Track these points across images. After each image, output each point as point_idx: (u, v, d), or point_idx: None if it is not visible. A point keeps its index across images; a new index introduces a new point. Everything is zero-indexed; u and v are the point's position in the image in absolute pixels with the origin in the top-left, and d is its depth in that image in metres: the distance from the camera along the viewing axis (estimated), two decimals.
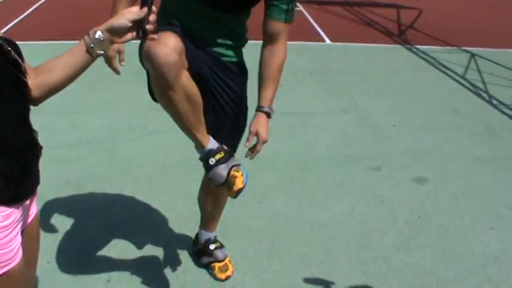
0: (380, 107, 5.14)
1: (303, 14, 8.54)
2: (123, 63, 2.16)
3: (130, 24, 1.52)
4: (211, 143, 2.17)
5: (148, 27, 1.54)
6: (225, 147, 2.20)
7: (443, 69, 6.37)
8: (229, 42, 2.21)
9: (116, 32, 1.52)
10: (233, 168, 2.17)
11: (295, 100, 5.01)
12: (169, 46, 1.84)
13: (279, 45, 2.27)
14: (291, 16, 2.24)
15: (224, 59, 2.21)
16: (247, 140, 2.26)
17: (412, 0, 10.10)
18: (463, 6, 10.26)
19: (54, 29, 7.22)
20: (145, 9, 1.53)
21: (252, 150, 2.29)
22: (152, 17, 1.54)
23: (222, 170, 2.15)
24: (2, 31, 6.48)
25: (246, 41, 2.32)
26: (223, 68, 2.23)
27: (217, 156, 2.16)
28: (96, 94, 4.81)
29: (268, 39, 2.26)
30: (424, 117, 4.98)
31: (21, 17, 7.76)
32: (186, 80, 1.97)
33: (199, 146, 2.17)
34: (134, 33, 1.54)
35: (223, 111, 2.29)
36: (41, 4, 8.58)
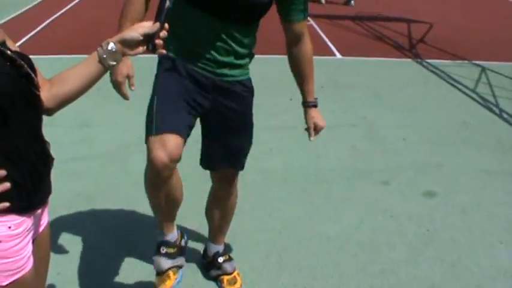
0: (389, 120, 5.16)
1: (314, 28, 8.58)
2: (133, 88, 2.20)
3: (141, 38, 1.57)
4: (171, 236, 2.36)
5: (158, 42, 1.59)
6: (182, 243, 2.41)
7: (454, 83, 6.38)
8: (235, 61, 2.25)
9: (128, 44, 1.58)
10: (173, 269, 2.33)
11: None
12: (167, 150, 2.02)
13: (305, 40, 2.39)
14: (307, 12, 2.35)
15: (228, 79, 2.26)
16: (309, 135, 2.52)
17: (422, 14, 10.13)
18: (473, 19, 10.27)
19: (66, 43, 7.32)
20: (157, 24, 1.59)
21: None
22: (163, 33, 1.59)
23: (165, 264, 2.32)
24: (16, 45, 6.55)
25: (252, 57, 2.37)
26: (227, 93, 2.28)
27: (170, 250, 2.35)
28: (107, 108, 4.87)
29: (294, 39, 2.38)
30: (434, 131, 4.98)
31: (34, 31, 7.89)
32: (174, 184, 2.16)
33: (160, 230, 2.35)
34: (145, 46, 1.59)
35: (229, 132, 2.37)
36: (53, 19, 8.70)
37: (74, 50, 6.72)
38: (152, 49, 1.59)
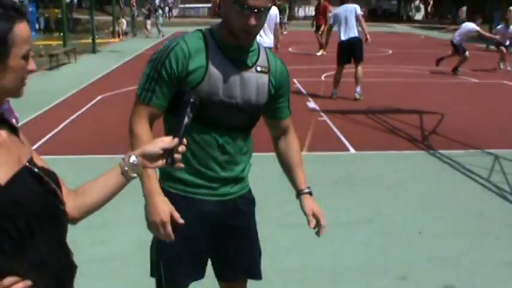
0: (404, 214, 5.20)
1: (328, 124, 8.81)
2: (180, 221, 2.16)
3: (161, 152, 1.70)
4: None
5: (177, 156, 1.72)
6: None
7: (467, 172, 6.44)
8: (238, 174, 2.37)
9: (148, 158, 1.71)
10: None
11: None
12: None
13: (290, 135, 2.55)
14: (291, 108, 2.52)
15: (231, 197, 2.38)
16: (309, 222, 2.45)
17: (432, 105, 10.34)
18: (483, 109, 10.44)
19: (85, 143, 7.57)
20: (176, 139, 1.72)
21: (319, 228, 2.48)
22: (182, 148, 1.73)
23: None
24: (36, 145, 6.83)
25: (250, 166, 2.48)
26: (230, 211, 2.39)
27: None
28: (124, 208, 4.99)
29: (280, 135, 2.54)
30: (450, 223, 5.00)
31: (54, 131, 8.18)
32: None
33: None
34: (164, 160, 1.72)
35: (235, 247, 2.46)
36: (72, 119, 9.03)
37: (94, 151, 6.97)
38: (171, 163, 1.72)
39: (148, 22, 29.99)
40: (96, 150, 7.08)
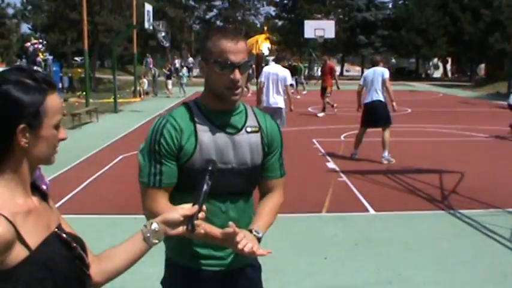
0: (425, 276, 5.15)
1: (347, 184, 8.83)
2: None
3: (182, 219, 1.78)
4: None
5: (197, 222, 1.79)
6: None
7: (489, 233, 6.38)
8: None
9: (169, 225, 1.78)
10: None
11: (340, 273, 5.07)
12: None
13: (276, 193, 2.45)
14: (283, 169, 2.46)
15: (237, 265, 2.36)
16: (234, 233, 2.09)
17: (452, 164, 10.34)
18: (502, 167, 10.39)
19: (106, 203, 7.67)
20: (196, 206, 1.80)
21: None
22: (202, 214, 1.80)
23: None
24: (59, 204, 6.94)
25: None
26: (236, 280, 2.38)
27: None
28: (144, 269, 5.02)
29: (266, 194, 2.45)
30: (472, 285, 4.95)
31: (75, 190, 8.31)
32: None
33: None
34: (185, 227, 1.79)
35: None
36: (94, 178, 9.17)
37: (115, 210, 7.06)
38: (192, 229, 1.79)
39: (169, 82, 30.65)
40: (118, 210, 7.17)
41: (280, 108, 10.24)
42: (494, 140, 13.27)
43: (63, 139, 1.64)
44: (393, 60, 57.45)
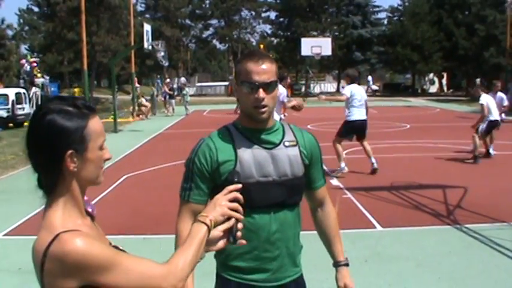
0: None
1: (353, 201, 8.88)
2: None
3: (222, 234, 1.82)
4: None
5: (238, 234, 1.85)
6: None
7: (497, 247, 6.43)
8: (291, 249, 2.46)
9: (210, 243, 1.82)
10: None
11: None
12: None
13: (328, 204, 2.67)
14: (325, 177, 2.65)
15: (287, 280, 2.46)
16: None
17: (454, 179, 10.43)
18: (504, 181, 10.47)
19: (112, 223, 7.65)
20: (233, 219, 1.84)
21: None
22: (240, 225, 1.86)
23: None
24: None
25: (302, 247, 2.58)
26: None
27: None
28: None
29: (317, 206, 2.66)
30: None
31: None
32: None
33: None
34: (225, 240, 1.84)
35: None
36: (99, 199, 9.18)
37: (121, 231, 7.06)
38: (233, 241, 1.84)
39: (173, 102, 30.83)
40: (124, 230, 7.19)
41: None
42: (494, 154, 13.31)
43: (108, 159, 1.72)
44: (369, 77, 57.53)
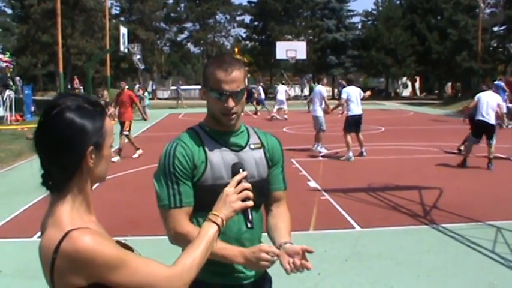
0: None
1: (330, 202, 8.98)
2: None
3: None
4: None
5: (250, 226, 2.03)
6: None
7: (473, 245, 6.59)
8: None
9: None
10: None
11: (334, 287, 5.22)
12: None
13: (283, 208, 2.64)
14: (286, 183, 2.66)
15: (257, 277, 2.51)
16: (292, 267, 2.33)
17: (430, 180, 10.62)
18: (481, 182, 10.72)
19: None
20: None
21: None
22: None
23: None
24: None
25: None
26: None
27: None
28: None
29: (273, 207, 2.63)
30: None
31: None
32: None
33: None
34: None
35: None
36: None
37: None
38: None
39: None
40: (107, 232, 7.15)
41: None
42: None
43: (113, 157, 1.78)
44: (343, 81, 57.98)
